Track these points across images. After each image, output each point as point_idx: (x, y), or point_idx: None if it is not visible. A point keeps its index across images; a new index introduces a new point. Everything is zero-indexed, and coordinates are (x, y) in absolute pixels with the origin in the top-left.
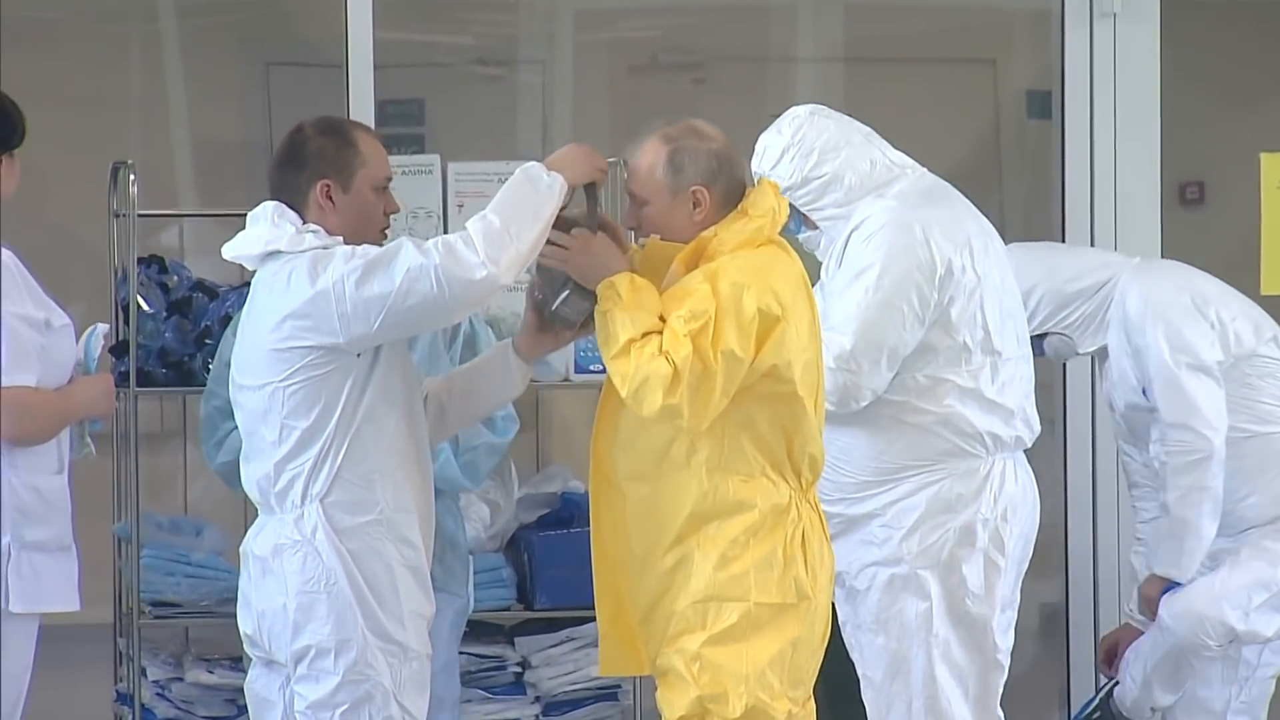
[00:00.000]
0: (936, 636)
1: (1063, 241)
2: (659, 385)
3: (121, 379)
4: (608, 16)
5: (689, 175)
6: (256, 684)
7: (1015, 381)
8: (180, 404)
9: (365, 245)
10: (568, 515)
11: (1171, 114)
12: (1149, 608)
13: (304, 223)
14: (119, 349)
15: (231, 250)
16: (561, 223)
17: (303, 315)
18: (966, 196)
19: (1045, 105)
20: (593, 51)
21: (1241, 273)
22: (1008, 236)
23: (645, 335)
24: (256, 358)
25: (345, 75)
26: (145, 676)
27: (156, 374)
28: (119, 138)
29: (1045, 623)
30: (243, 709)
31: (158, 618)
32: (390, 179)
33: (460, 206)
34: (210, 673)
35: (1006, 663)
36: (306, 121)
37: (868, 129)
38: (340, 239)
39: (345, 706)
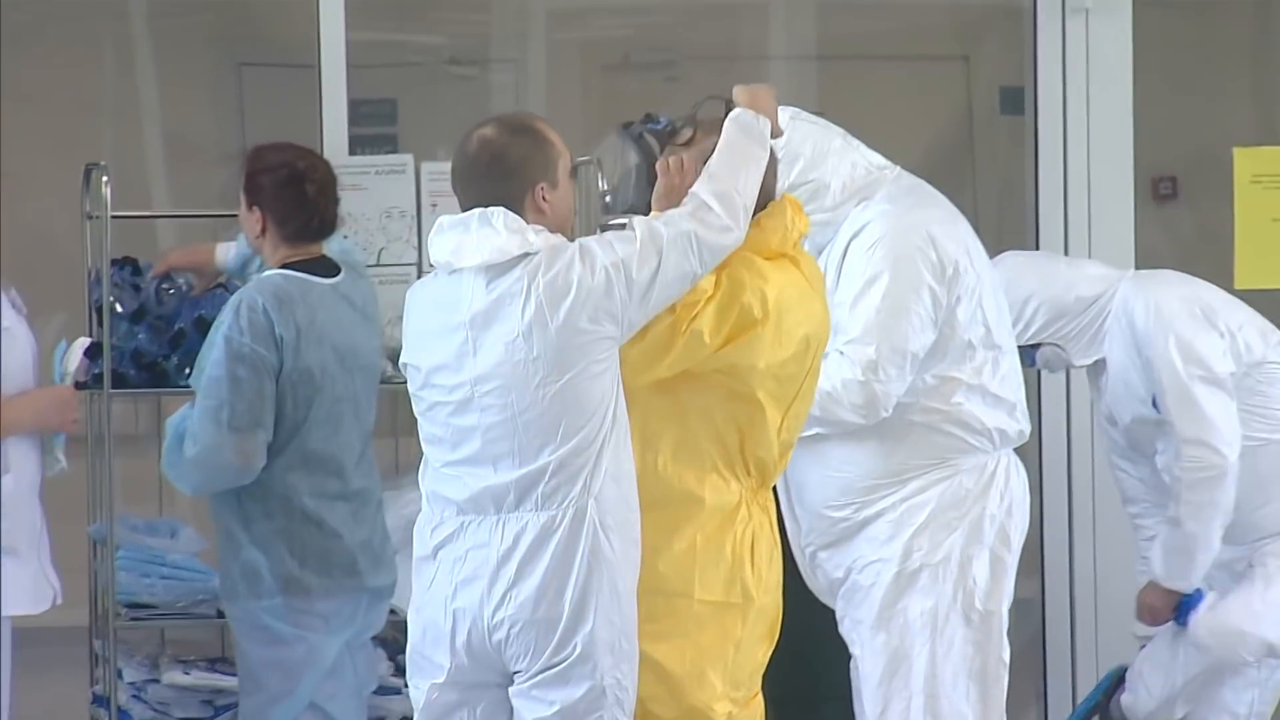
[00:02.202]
0: (942, 635)
1: (1035, 238)
2: None
3: (95, 381)
4: (580, 15)
5: None
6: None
7: (1012, 374)
8: (155, 405)
9: (609, 233)
10: None
11: (1144, 109)
12: (1156, 617)
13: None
14: (92, 351)
15: (473, 259)
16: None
17: (584, 310)
18: (941, 192)
19: (1018, 101)
20: (565, 50)
21: (1214, 268)
22: (981, 232)
23: None
24: (521, 361)
25: (318, 75)
26: (121, 678)
27: (130, 376)
28: (91, 139)
29: (1016, 620)
30: (219, 709)
31: (134, 619)
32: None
33: (434, 206)
34: (186, 674)
35: (1008, 661)
36: (488, 129)
37: (843, 131)
38: (561, 236)
39: (601, 711)
